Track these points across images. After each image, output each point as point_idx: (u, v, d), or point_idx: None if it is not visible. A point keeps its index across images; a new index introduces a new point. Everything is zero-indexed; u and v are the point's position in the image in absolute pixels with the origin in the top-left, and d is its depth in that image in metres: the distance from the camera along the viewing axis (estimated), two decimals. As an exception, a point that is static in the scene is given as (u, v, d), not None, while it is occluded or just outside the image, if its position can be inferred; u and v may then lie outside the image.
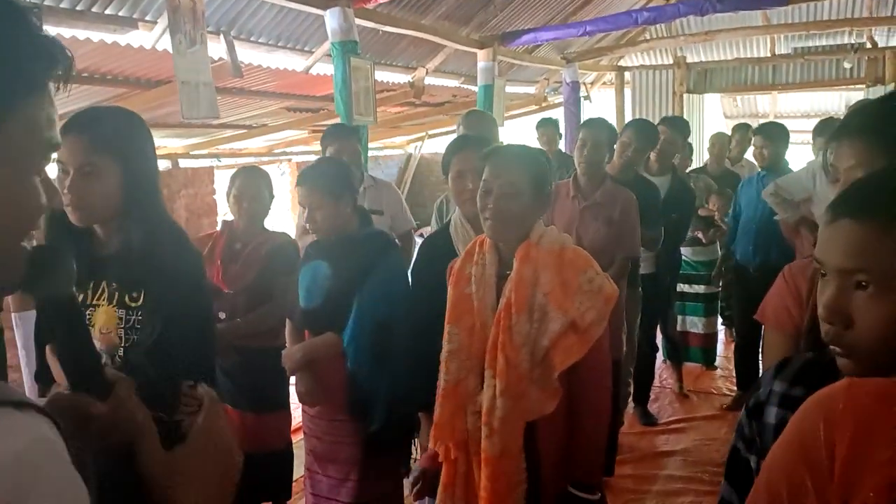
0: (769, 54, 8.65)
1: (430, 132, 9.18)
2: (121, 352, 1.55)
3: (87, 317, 1.56)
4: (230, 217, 3.03)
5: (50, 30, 2.25)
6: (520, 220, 1.74)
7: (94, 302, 1.57)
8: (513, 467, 1.65)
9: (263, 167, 3.83)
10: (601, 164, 3.19)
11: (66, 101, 4.19)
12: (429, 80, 6.58)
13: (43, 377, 1.66)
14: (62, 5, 3.55)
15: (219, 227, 3.10)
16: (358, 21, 4.60)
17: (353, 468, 2.35)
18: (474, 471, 1.71)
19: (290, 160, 8.87)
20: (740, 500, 1.02)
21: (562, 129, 6.06)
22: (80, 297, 1.58)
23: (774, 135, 4.09)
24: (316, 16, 4.64)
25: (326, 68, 5.18)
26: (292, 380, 2.57)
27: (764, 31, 7.96)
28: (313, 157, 8.35)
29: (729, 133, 5.61)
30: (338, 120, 4.70)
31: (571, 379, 1.67)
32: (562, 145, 6.03)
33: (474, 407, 1.69)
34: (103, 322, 1.55)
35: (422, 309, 2.08)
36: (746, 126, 5.59)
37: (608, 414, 1.72)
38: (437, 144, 9.65)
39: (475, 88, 6.80)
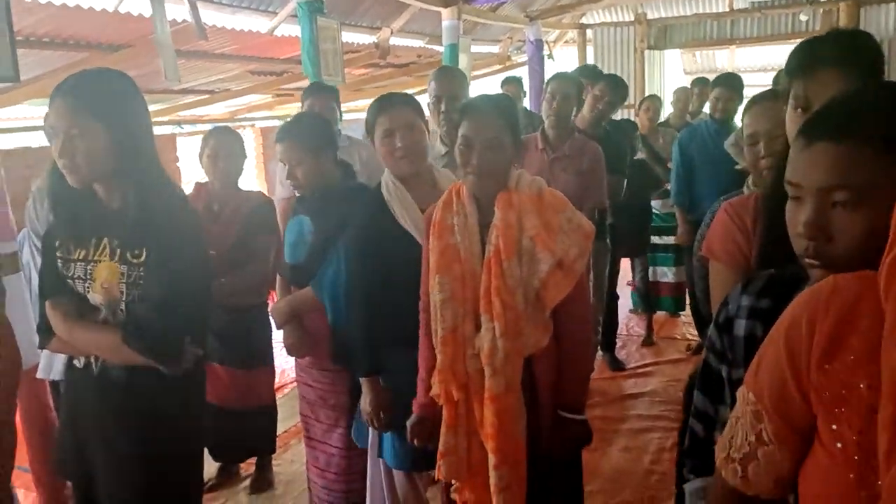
0: (727, 9, 8.77)
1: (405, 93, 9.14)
2: (123, 306, 1.61)
3: (90, 271, 1.62)
4: (198, 181, 3.06)
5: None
6: (502, 171, 1.81)
7: (96, 258, 1.62)
8: (515, 401, 1.76)
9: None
10: (569, 117, 3.27)
11: (30, 65, 4.11)
12: (394, 41, 6.56)
13: (43, 329, 1.72)
14: (20, -33, 3.47)
15: (192, 190, 3.12)
16: (323, -20, 4.56)
17: (343, 415, 2.45)
18: (475, 410, 1.81)
19: (253, 125, 8.77)
20: (714, 408, 1.13)
21: (526, 88, 6.12)
22: (83, 253, 1.63)
23: (733, 86, 4.12)
24: (279, -25, 4.60)
25: (291, 29, 5.14)
26: (278, 336, 2.64)
27: (722, -14, 8.06)
28: (278, 123, 8.28)
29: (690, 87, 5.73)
30: (303, 83, 4.69)
31: (559, 313, 1.79)
32: (526, 103, 6.09)
33: (473, 350, 1.78)
34: (105, 277, 1.61)
35: (370, 267, 2.11)
36: (705, 80, 5.71)
37: (591, 343, 1.85)
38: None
39: (440, 49, 6.78)
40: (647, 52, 8.83)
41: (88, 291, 1.64)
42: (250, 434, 3.03)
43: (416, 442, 1.96)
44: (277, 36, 5.22)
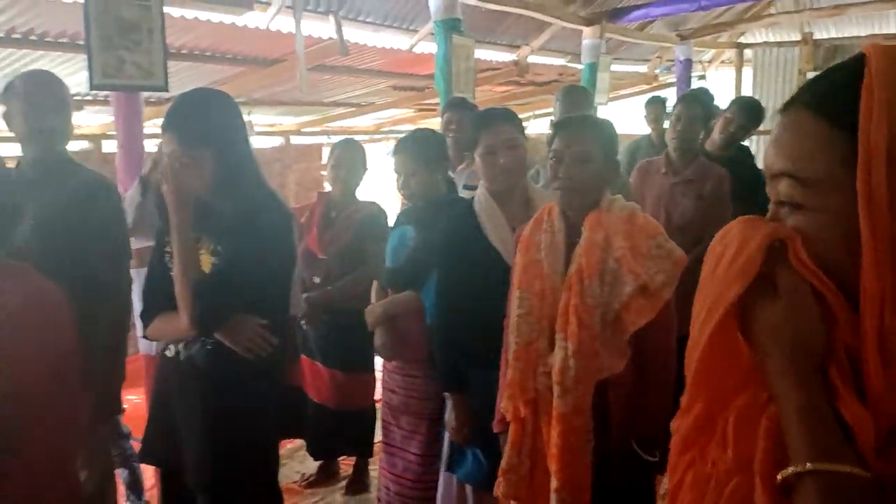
0: (907, 29, 7.98)
1: (537, 112, 9.13)
2: None
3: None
4: (321, 190, 3.22)
5: (172, 11, 2.48)
6: (591, 187, 1.78)
7: (201, 251, 1.78)
8: (583, 424, 1.71)
9: (369, 144, 3.99)
10: (694, 140, 3.11)
11: (186, 78, 4.51)
12: (533, 59, 6.56)
13: (145, 320, 1.89)
14: (184, -12, 3.82)
15: (315, 198, 3.29)
16: (461, -1, 4.65)
17: (423, 423, 2.47)
18: (543, 429, 1.77)
19: (396, 138, 9.09)
20: None
21: (671, 109, 5.89)
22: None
23: None
24: (421, -6, 4.75)
25: (431, 47, 5.29)
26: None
27: (901, 4, 7.34)
28: (420, 136, 8.53)
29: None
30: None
31: (639, 340, 1.71)
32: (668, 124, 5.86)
33: (545, 368, 1.75)
34: (203, 265, 1.77)
35: (454, 281, 2.14)
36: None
37: (673, 374, 1.74)
38: (543, 125, 9.58)
39: (581, 67, 6.70)
40: (811, 74, 8.20)
41: None
42: (346, 435, 3.12)
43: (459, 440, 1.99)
44: (417, 53, 5.38)
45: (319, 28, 4.58)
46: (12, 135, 2.23)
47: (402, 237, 2.56)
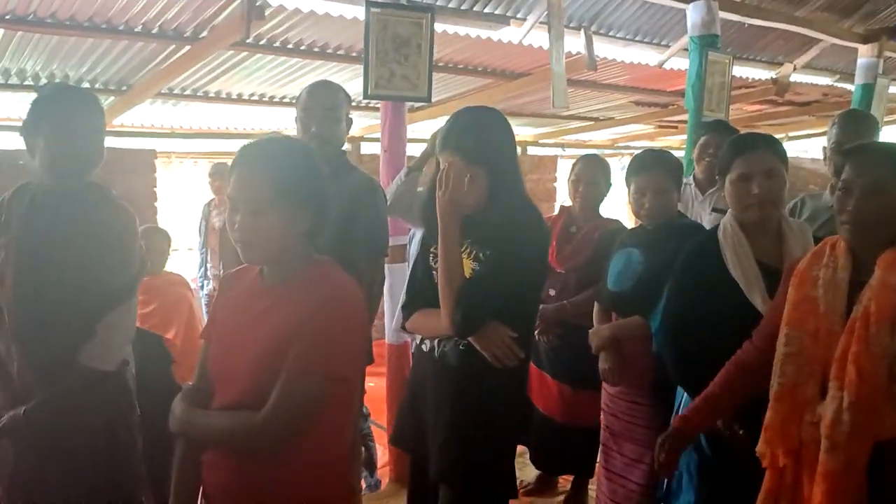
0: None
1: (791, 134, 8.42)
2: None
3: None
4: (563, 204, 3.24)
5: (436, 27, 2.67)
6: (885, 222, 1.57)
7: (463, 255, 1.88)
8: (855, 487, 1.53)
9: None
10: None
11: (444, 88, 4.79)
12: (795, 77, 6.06)
13: (405, 311, 2.05)
14: (450, 5, 4.07)
15: (556, 212, 3.32)
16: (722, 14, 4.43)
17: (648, 451, 2.37)
18: (805, 485, 1.62)
19: (631, 154, 8.91)
20: None
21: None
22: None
23: None
24: (677, 10, 4.59)
25: (680, 63, 5.10)
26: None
27: None
28: (656, 153, 8.27)
29: None
30: (684, 116, 4.61)
31: None
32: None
33: (812, 417, 1.59)
34: (465, 269, 1.87)
35: (684, 309, 2.05)
36: None
37: None
38: (797, 147, 8.81)
39: (851, 87, 6.06)
40: None
41: None
42: (571, 451, 3.10)
43: (662, 456, 1.85)
44: (666, 69, 5.23)
45: (569, 42, 4.62)
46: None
47: (629, 260, 2.51)
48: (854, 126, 2.58)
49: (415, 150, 3.04)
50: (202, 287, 5.49)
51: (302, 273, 1.45)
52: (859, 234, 1.59)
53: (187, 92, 5.01)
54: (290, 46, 4.20)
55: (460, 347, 1.87)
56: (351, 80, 4.74)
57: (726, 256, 1.98)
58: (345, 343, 1.42)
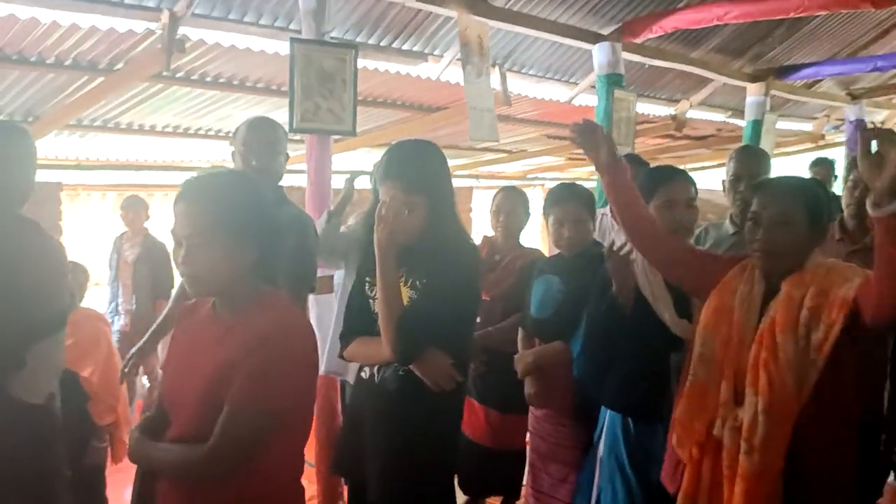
0: None
1: (689, 166, 8.95)
2: None
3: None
4: (485, 234, 3.34)
5: (359, 62, 2.74)
6: (792, 251, 1.72)
7: (400, 283, 1.93)
8: (772, 490, 1.65)
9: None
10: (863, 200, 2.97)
11: (364, 120, 4.87)
12: (692, 114, 6.49)
13: (343, 340, 2.07)
14: (370, 41, 4.17)
15: (478, 241, 3.42)
16: (625, 55, 4.74)
17: (573, 470, 2.50)
18: (725, 487, 1.71)
19: (543, 185, 9.22)
20: None
21: (839, 171, 5.60)
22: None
23: None
24: (584, 50, 4.87)
25: (588, 99, 5.38)
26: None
27: None
28: (566, 184, 8.63)
29: None
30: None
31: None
32: (837, 188, 5.57)
33: (734, 422, 1.70)
34: (403, 297, 1.92)
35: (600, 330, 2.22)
36: None
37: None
38: (694, 178, 9.36)
39: (742, 123, 6.55)
40: None
41: None
42: (498, 474, 3.16)
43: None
44: (576, 105, 5.50)
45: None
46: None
47: (549, 287, 2.62)
48: (748, 160, 2.82)
49: (338, 182, 3.09)
50: (112, 322, 5.28)
51: (250, 305, 1.46)
52: (768, 261, 1.74)
53: (97, 123, 4.86)
54: (208, 79, 4.18)
55: (399, 373, 1.91)
56: (269, 111, 4.74)
57: (637, 273, 2.13)
58: (288, 375, 1.42)
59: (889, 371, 2.77)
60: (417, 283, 1.92)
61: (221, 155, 6.10)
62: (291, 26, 3.71)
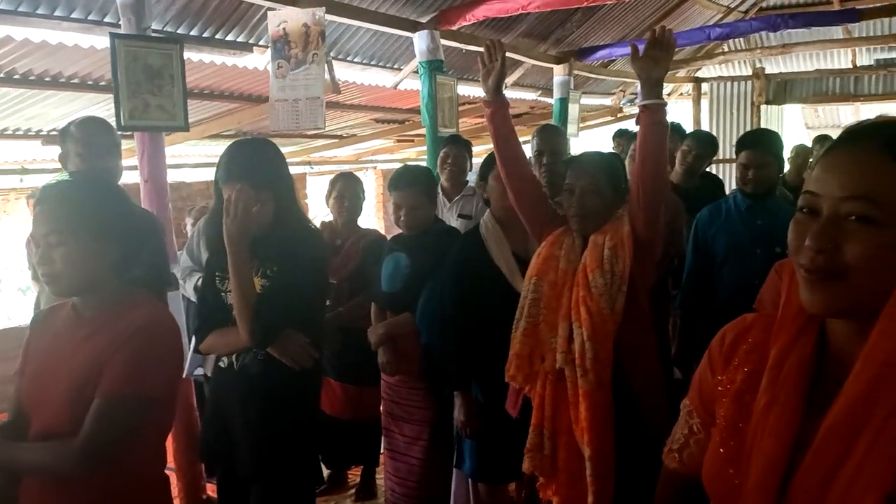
0: (850, 66, 8.61)
1: (508, 142, 9.53)
2: None
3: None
4: (323, 219, 3.50)
5: (185, 54, 2.76)
6: (601, 214, 2.08)
7: (254, 274, 2.04)
8: (606, 399, 1.98)
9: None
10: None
11: (191, 111, 4.80)
12: (507, 93, 6.95)
13: (198, 335, 2.14)
14: (192, 33, 4.13)
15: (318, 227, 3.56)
16: (444, 41, 5.03)
17: (425, 429, 2.74)
18: (563, 411, 2.03)
19: (375, 167, 9.43)
20: None
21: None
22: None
23: (765, 147, 2.91)
24: (406, 38, 5.11)
25: (413, 83, 5.64)
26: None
27: (843, 45, 7.97)
28: (397, 165, 8.89)
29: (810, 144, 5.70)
30: (421, 130, 5.13)
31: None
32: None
33: (570, 355, 2.00)
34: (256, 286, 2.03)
35: (465, 299, 2.41)
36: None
37: None
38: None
39: (551, 101, 7.14)
40: (764, 106, 8.77)
41: None
42: (357, 445, 3.37)
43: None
44: (401, 90, 5.74)
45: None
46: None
47: (398, 264, 2.80)
48: (547, 137, 3.20)
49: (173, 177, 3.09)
50: None
51: (115, 303, 1.50)
52: (581, 224, 2.09)
53: None
54: (16, 77, 3.93)
55: (259, 358, 2.02)
56: (86, 108, 4.55)
57: (490, 249, 2.38)
58: (158, 366, 1.47)
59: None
60: (268, 271, 2.02)
61: (31, 154, 5.70)
62: (107, 19, 3.60)
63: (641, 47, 2.00)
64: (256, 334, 1.94)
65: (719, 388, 0.96)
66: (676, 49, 2.10)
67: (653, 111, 1.97)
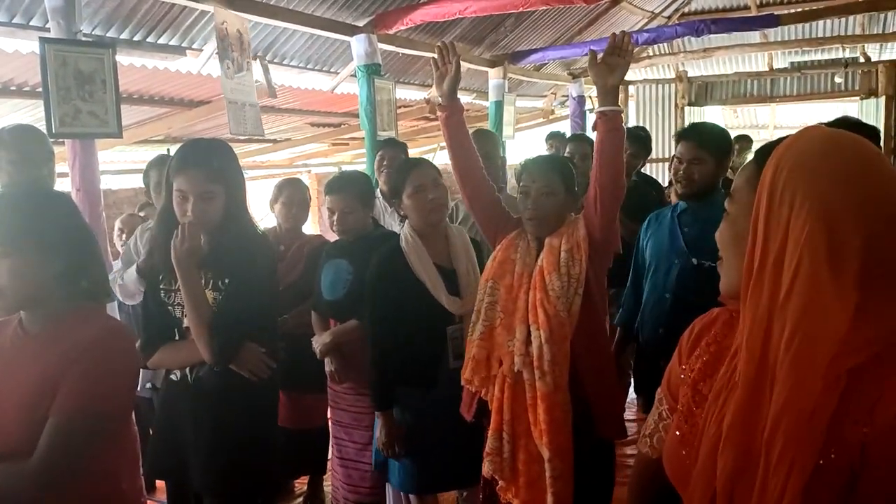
0: (767, 69, 9.05)
1: (442, 144, 9.58)
2: None
3: None
4: (265, 227, 3.46)
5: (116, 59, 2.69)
6: (556, 216, 2.13)
7: (206, 287, 2.00)
8: (563, 399, 2.02)
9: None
10: (587, 173, 3.57)
11: (124, 116, 4.65)
12: (443, 97, 7.01)
13: (145, 350, 2.08)
14: (122, 37, 4.01)
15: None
16: (381, 45, 5.04)
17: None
18: (521, 415, 2.05)
19: (309, 171, 9.32)
20: None
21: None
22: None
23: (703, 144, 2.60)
24: (343, 41, 5.09)
25: (349, 87, 5.63)
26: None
27: (760, 49, 8.37)
28: (332, 169, 8.81)
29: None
30: (358, 134, 5.11)
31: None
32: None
33: (528, 357, 2.03)
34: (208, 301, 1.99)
35: (387, 318, 2.38)
36: (747, 137, 5.97)
37: None
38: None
39: (487, 104, 7.23)
40: (687, 108, 9.12)
41: (185, 315, 2.01)
42: (304, 454, 3.33)
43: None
44: (338, 93, 5.71)
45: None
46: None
47: (339, 270, 2.79)
48: (481, 141, 3.26)
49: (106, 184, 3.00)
50: None
51: (63, 316, 1.46)
52: (537, 226, 2.13)
53: None
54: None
55: (215, 370, 1.99)
56: (9, 114, 4.36)
57: (412, 262, 2.36)
58: (114, 381, 1.44)
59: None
60: (220, 283, 1.99)
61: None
62: (33, 23, 3.46)
63: (600, 54, 2.04)
64: (216, 352, 1.92)
65: (682, 376, 1.03)
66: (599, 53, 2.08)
67: (610, 118, 2.02)
